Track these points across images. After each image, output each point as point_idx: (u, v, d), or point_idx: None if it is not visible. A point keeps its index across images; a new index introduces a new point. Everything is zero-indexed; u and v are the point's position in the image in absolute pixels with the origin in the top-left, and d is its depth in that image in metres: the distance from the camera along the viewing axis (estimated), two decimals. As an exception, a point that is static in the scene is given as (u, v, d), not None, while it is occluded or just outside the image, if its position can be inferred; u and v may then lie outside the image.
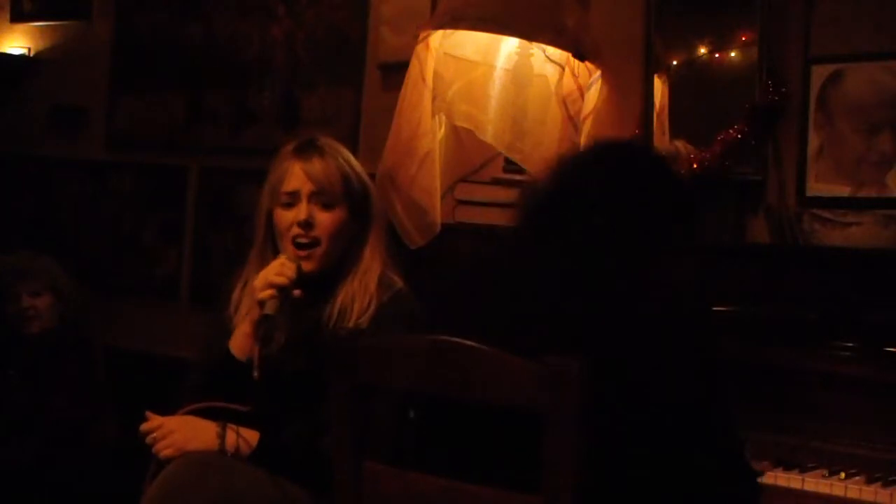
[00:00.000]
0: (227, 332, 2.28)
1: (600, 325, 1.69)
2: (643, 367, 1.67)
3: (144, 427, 2.18)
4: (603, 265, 1.76)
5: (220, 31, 4.02)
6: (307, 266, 2.25)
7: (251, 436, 2.16)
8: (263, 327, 2.18)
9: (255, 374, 2.16)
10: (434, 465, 1.66)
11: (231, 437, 2.14)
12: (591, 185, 1.85)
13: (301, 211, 2.27)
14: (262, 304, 2.18)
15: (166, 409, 2.22)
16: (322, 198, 2.29)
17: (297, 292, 2.21)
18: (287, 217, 2.28)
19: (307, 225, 2.26)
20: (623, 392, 1.65)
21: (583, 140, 2.77)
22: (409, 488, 1.67)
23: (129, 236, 4.23)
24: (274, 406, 2.20)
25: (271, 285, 2.18)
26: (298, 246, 2.27)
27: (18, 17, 4.56)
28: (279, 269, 2.20)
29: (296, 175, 2.29)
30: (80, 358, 3.46)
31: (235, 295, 2.34)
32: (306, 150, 2.32)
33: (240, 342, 2.23)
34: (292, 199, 2.28)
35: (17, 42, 4.54)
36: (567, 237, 1.80)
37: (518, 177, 3.00)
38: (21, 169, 4.49)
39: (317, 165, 2.29)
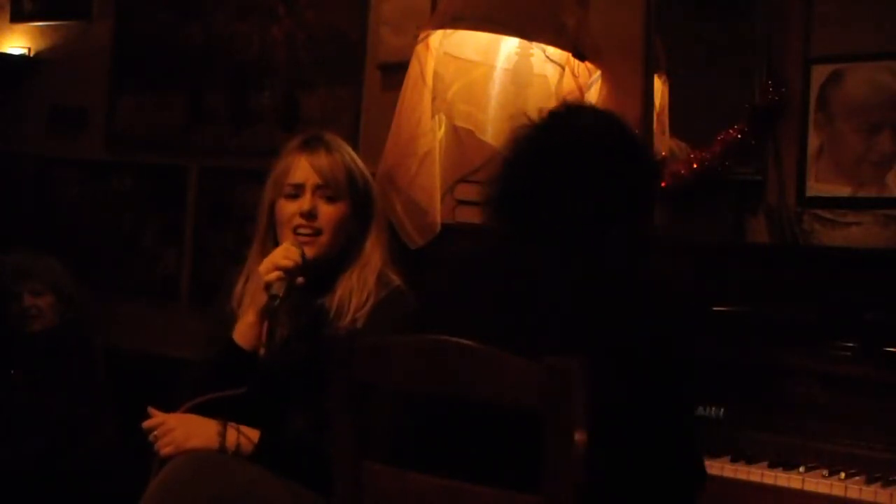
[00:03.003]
0: (230, 327, 2.28)
1: (596, 322, 1.70)
2: (639, 363, 1.68)
3: (147, 424, 2.18)
4: (593, 258, 1.76)
5: (220, 31, 4.02)
6: (308, 251, 2.26)
7: (252, 434, 2.16)
8: (271, 309, 2.19)
9: (262, 350, 2.18)
10: (434, 465, 1.66)
11: (232, 435, 2.14)
12: (559, 164, 1.82)
13: (305, 202, 2.28)
14: (268, 286, 2.19)
15: (167, 409, 2.22)
16: (326, 191, 2.30)
17: (300, 280, 2.22)
18: (290, 208, 2.30)
19: (310, 215, 2.28)
20: (620, 388, 1.65)
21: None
22: (409, 488, 1.67)
23: (129, 236, 4.23)
24: (275, 399, 2.21)
25: (277, 267, 2.20)
26: (300, 236, 2.28)
27: (18, 17, 4.56)
28: (285, 253, 2.22)
29: (301, 167, 2.31)
30: (80, 358, 3.46)
31: (238, 289, 2.35)
32: (313, 144, 2.34)
33: (244, 332, 2.24)
34: (297, 191, 2.30)
35: (17, 42, 4.54)
36: (551, 227, 1.79)
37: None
38: (21, 169, 4.49)
39: (323, 159, 2.31)
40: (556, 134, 1.87)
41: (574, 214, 1.79)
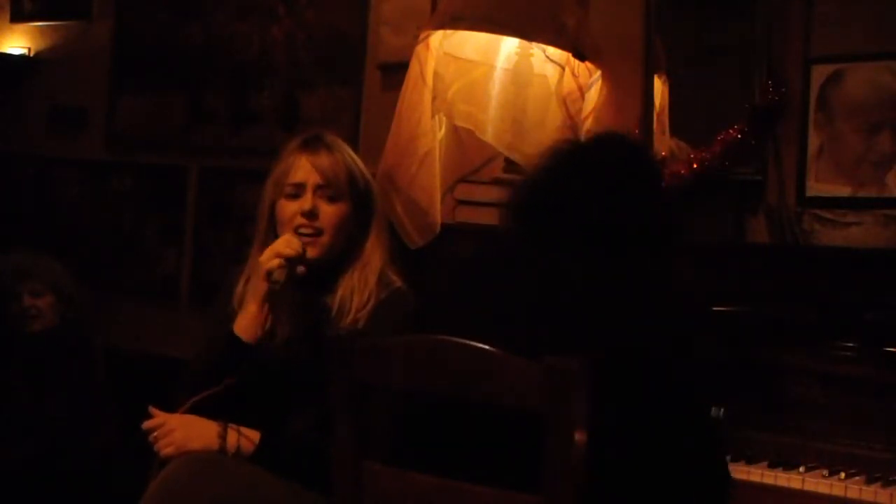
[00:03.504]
0: (230, 326, 2.28)
1: (599, 324, 1.70)
2: (642, 365, 1.67)
3: (147, 424, 2.18)
4: (600, 264, 1.77)
5: (220, 31, 4.02)
6: (310, 252, 2.26)
7: (253, 435, 2.16)
8: (273, 294, 2.20)
9: (260, 333, 2.20)
10: (434, 465, 1.66)
11: (232, 436, 2.14)
12: (588, 181, 1.85)
13: (306, 201, 2.28)
14: (269, 273, 2.19)
15: (167, 408, 2.21)
16: (327, 191, 2.30)
17: (301, 269, 2.22)
18: (291, 207, 2.29)
19: (311, 215, 2.27)
20: (621, 390, 1.65)
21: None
22: (409, 488, 1.67)
23: (129, 236, 4.23)
24: (276, 398, 2.20)
25: (278, 255, 2.20)
26: (302, 235, 2.28)
27: (18, 17, 4.57)
28: (286, 243, 2.23)
29: (302, 167, 2.30)
30: (80, 358, 3.46)
31: (238, 290, 2.35)
32: (313, 144, 2.34)
33: (245, 324, 2.23)
34: (298, 191, 2.30)
35: (17, 42, 4.54)
36: (564, 236, 1.80)
37: (518, 177, 2.99)
38: (21, 169, 4.49)
39: (324, 158, 2.31)
40: (595, 156, 1.92)
41: (592, 227, 1.80)
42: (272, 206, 2.34)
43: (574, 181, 1.86)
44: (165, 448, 2.13)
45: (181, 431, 2.14)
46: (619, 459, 1.65)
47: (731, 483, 1.83)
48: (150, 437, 2.16)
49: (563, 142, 1.98)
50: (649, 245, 1.83)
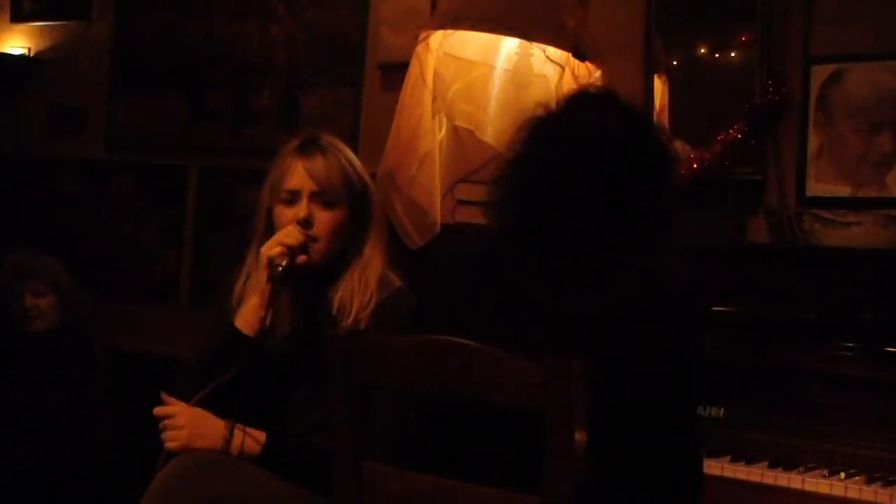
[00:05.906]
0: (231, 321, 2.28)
1: (597, 323, 1.69)
2: (638, 365, 1.67)
3: (158, 411, 2.18)
4: (598, 262, 1.76)
5: (220, 31, 4.03)
6: (306, 258, 2.26)
7: (259, 436, 2.16)
8: (275, 276, 2.20)
9: (267, 319, 2.20)
10: (434, 465, 1.66)
11: (238, 437, 2.14)
12: (574, 171, 1.79)
13: (301, 209, 2.27)
14: (271, 260, 2.20)
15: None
16: (323, 197, 2.29)
17: (302, 258, 2.22)
18: (287, 214, 2.29)
19: (307, 223, 2.26)
20: (618, 390, 1.65)
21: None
22: (409, 488, 1.67)
23: (129, 236, 4.23)
24: (279, 393, 2.20)
25: (280, 243, 2.21)
26: None
27: (18, 17, 4.57)
28: (287, 232, 2.23)
29: (298, 173, 2.29)
30: (82, 358, 3.46)
31: (238, 289, 2.35)
32: (309, 148, 2.32)
33: (247, 316, 2.23)
34: (293, 197, 2.29)
35: (17, 42, 4.55)
36: (561, 233, 1.79)
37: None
38: (21, 169, 4.49)
39: (319, 164, 2.29)
40: (564, 136, 1.83)
41: (578, 218, 1.78)
42: (269, 211, 2.33)
43: (552, 169, 1.79)
44: (171, 442, 2.13)
45: (189, 430, 2.14)
46: (614, 462, 1.65)
47: (703, 485, 1.80)
48: (160, 425, 2.16)
49: (531, 122, 1.85)
50: (640, 228, 1.78)
